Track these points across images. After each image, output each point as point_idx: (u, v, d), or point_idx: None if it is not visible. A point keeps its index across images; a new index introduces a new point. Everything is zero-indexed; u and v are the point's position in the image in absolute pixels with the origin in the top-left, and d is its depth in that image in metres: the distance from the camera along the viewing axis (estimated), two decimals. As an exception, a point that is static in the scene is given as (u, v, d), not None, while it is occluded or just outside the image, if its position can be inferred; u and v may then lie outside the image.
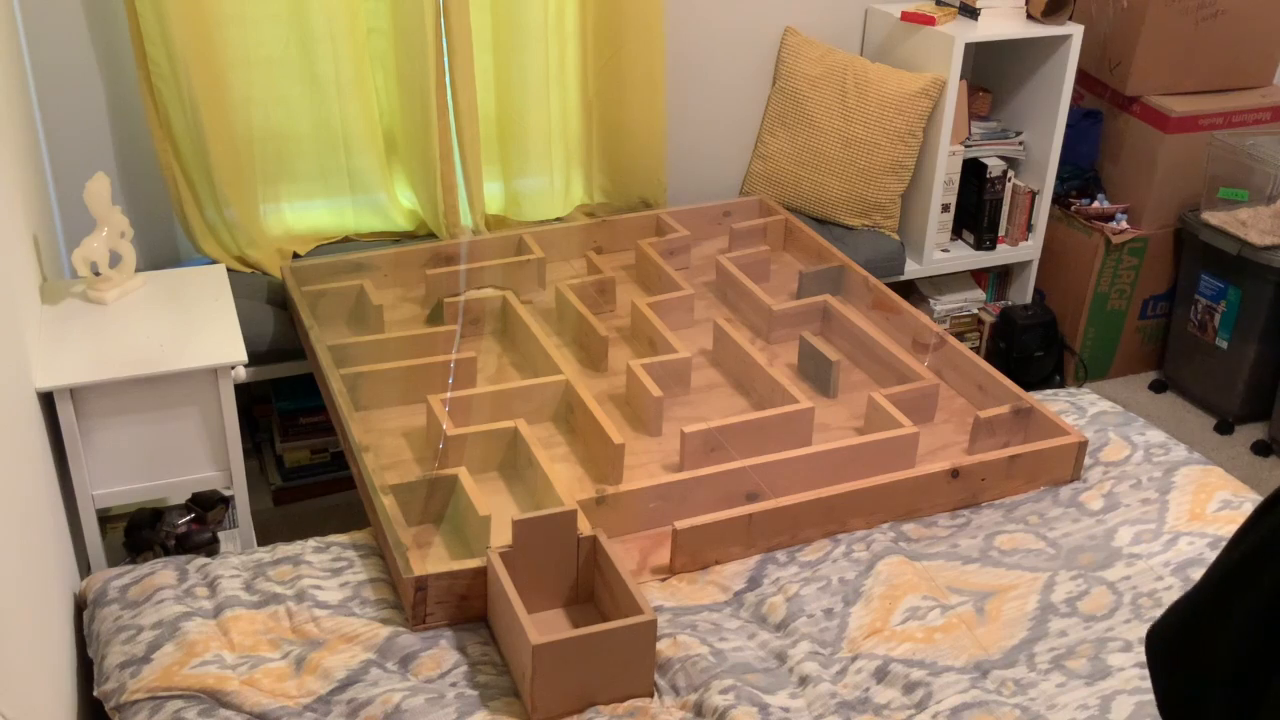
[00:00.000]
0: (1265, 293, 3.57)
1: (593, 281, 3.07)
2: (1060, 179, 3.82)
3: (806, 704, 1.90)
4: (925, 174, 3.59)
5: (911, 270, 3.67)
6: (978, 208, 3.73)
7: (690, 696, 1.91)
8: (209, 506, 2.76)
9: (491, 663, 1.99)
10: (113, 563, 2.54)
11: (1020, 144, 3.76)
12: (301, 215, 3.27)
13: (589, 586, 2.15)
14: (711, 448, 2.44)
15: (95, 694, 1.96)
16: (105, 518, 2.74)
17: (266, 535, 2.67)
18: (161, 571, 2.15)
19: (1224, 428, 3.77)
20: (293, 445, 3.26)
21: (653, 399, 2.55)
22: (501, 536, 2.13)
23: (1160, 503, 2.37)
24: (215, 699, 1.88)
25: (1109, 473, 2.48)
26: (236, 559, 2.21)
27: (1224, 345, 3.73)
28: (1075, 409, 2.68)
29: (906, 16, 3.55)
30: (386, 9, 3.10)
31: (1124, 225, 3.80)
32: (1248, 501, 2.36)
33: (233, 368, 2.41)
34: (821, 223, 3.59)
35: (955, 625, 2.06)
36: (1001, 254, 3.80)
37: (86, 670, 2.08)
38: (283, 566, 2.18)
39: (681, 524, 2.17)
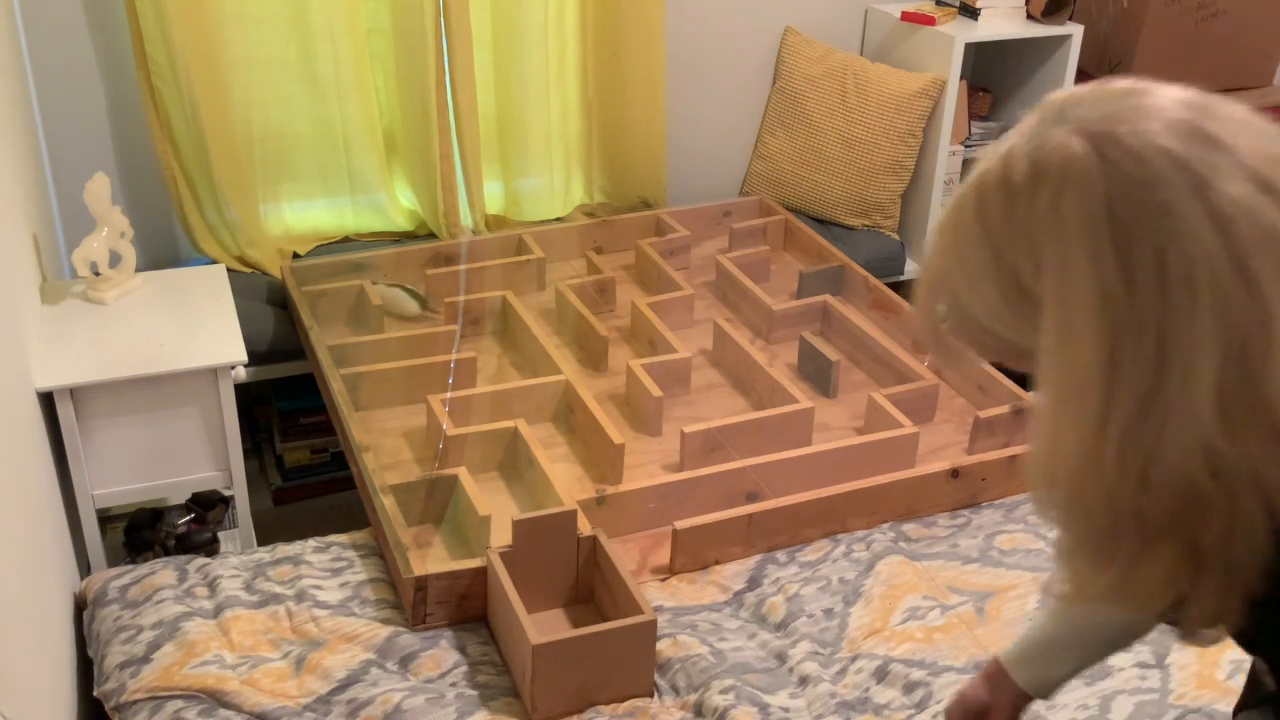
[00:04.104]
0: (1265, 293, 3.56)
1: (593, 281, 3.06)
2: (1060, 179, 3.82)
3: (806, 704, 1.90)
4: (925, 174, 3.59)
5: (911, 270, 3.66)
6: (978, 208, 3.72)
7: (690, 696, 1.91)
8: (209, 506, 2.76)
9: (491, 663, 1.99)
10: (113, 563, 2.54)
11: (1020, 144, 3.76)
12: (301, 215, 3.27)
13: (589, 586, 2.14)
14: (711, 448, 2.44)
15: (95, 694, 1.96)
16: (105, 518, 2.74)
17: (266, 535, 2.67)
18: (161, 571, 2.15)
19: (1224, 428, 3.76)
20: (293, 445, 3.25)
21: (653, 399, 2.55)
22: (501, 536, 2.13)
23: (1160, 503, 2.36)
24: (215, 699, 1.88)
25: (1109, 473, 2.47)
26: (236, 559, 2.21)
27: (1224, 345, 3.72)
28: (1075, 409, 2.68)
29: (906, 16, 3.55)
30: (386, 9, 3.10)
31: (1124, 225, 3.80)
32: (1248, 501, 2.36)
33: (233, 368, 2.41)
34: (821, 223, 3.59)
35: (955, 625, 2.06)
36: (1001, 254, 3.79)
37: (86, 670, 2.08)
38: (283, 566, 2.18)
39: (681, 524, 2.17)
